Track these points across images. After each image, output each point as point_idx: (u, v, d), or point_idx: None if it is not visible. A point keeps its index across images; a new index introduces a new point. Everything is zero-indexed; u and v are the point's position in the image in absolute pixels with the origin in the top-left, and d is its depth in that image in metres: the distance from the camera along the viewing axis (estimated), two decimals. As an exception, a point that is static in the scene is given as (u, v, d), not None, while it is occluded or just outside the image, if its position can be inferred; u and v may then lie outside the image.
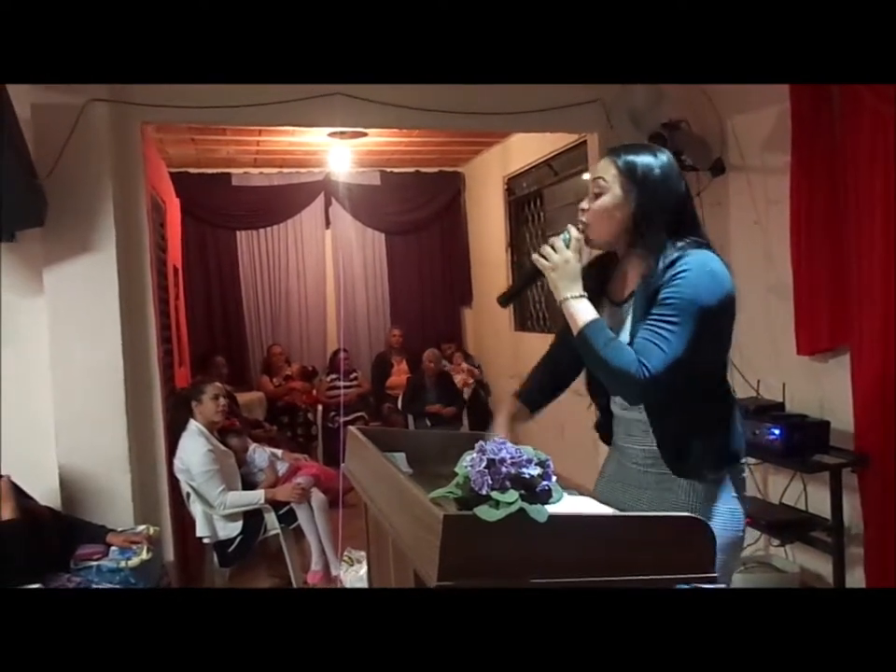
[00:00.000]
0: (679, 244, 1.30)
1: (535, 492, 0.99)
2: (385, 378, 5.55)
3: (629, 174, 1.31)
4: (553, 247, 1.31)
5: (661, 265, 1.28)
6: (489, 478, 0.97)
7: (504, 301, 1.46)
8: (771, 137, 2.80)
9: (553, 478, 1.02)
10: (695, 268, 1.26)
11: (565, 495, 1.06)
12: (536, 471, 0.99)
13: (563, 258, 1.30)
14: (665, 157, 1.34)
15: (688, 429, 1.32)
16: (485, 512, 0.95)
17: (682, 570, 1.05)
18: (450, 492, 1.01)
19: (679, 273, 1.26)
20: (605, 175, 1.32)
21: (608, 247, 1.40)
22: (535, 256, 1.33)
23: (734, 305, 1.30)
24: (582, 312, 1.28)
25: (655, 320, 1.24)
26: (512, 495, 0.96)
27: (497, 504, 0.96)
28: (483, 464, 0.98)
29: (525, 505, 0.96)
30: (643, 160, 1.32)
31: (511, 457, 0.98)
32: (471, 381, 5.31)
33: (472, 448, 1.04)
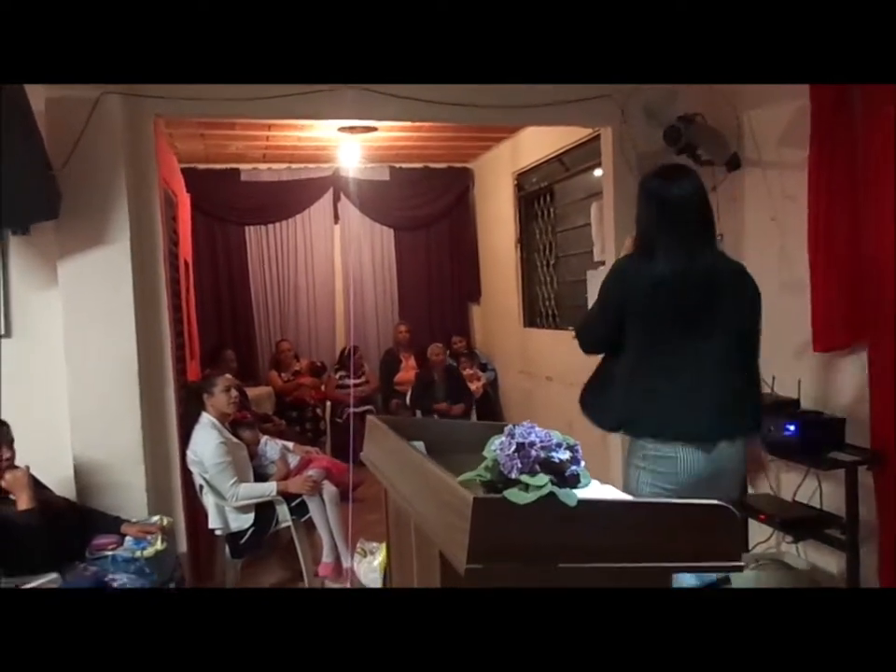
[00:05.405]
0: None
1: (564, 476, 0.99)
2: (394, 374, 5.54)
3: None
4: None
5: None
6: (518, 461, 0.97)
7: None
8: (788, 132, 2.78)
9: (582, 463, 1.02)
10: None
11: (593, 481, 1.06)
12: (565, 455, 0.99)
13: None
14: None
15: None
16: (515, 495, 0.94)
17: (710, 558, 1.05)
18: (479, 475, 1.01)
19: None
20: None
21: None
22: None
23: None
24: None
25: None
26: (542, 478, 0.96)
27: (526, 487, 0.95)
28: (513, 448, 0.98)
29: (555, 489, 0.95)
30: None
31: (541, 441, 0.98)
32: (481, 388, 5.33)
33: (490, 436, 1.04)
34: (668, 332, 1.75)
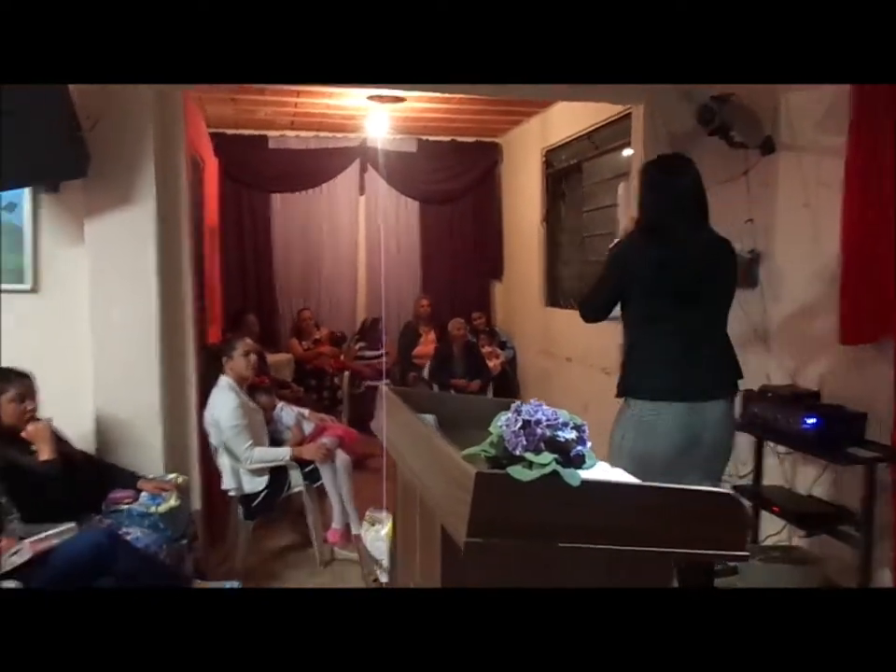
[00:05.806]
0: None
1: (569, 456, 0.98)
2: (412, 347, 5.56)
3: None
4: None
5: None
6: (524, 439, 0.97)
7: None
8: (826, 117, 2.68)
9: (588, 444, 1.01)
10: None
11: (598, 462, 1.05)
12: (571, 435, 0.98)
13: None
14: None
15: None
16: (519, 472, 0.94)
17: (714, 546, 1.04)
18: (483, 451, 1.00)
19: None
20: None
21: None
22: None
23: None
24: None
25: None
26: (547, 457, 0.95)
27: (530, 465, 0.95)
28: (519, 424, 0.97)
29: (559, 468, 0.95)
30: None
31: (548, 420, 0.97)
32: (500, 365, 5.34)
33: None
34: (665, 303, 1.98)
